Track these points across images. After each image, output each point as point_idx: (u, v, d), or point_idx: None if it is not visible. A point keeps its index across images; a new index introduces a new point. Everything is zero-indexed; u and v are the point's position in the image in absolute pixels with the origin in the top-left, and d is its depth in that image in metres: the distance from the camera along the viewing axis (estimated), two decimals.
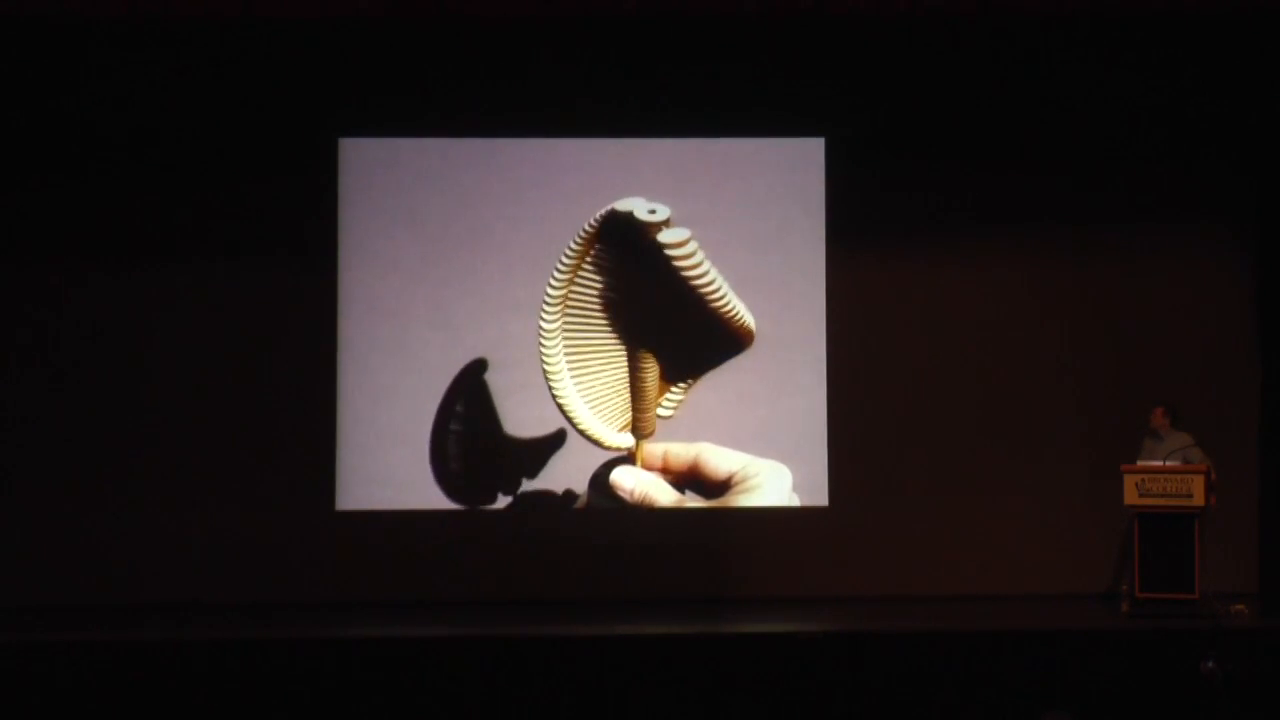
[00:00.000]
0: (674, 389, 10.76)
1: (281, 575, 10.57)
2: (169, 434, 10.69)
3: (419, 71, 10.79)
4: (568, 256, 10.72)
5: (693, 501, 10.77)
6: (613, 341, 10.77)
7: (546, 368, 10.67)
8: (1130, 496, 9.75)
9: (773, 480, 10.72)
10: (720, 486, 10.75)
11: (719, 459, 10.73)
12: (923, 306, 10.98)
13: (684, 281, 10.74)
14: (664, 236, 10.76)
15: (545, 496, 10.78)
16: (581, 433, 10.71)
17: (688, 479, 10.75)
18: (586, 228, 10.74)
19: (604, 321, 10.77)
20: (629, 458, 10.72)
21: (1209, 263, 11.04)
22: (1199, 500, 9.64)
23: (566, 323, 10.73)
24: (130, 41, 10.50)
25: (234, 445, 10.69)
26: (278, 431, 10.72)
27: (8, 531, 10.54)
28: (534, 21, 10.43)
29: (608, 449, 10.74)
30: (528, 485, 10.79)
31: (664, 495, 10.72)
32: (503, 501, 10.80)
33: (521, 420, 10.80)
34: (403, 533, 10.68)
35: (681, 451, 10.76)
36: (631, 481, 10.69)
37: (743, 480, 10.69)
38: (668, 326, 10.76)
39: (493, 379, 10.81)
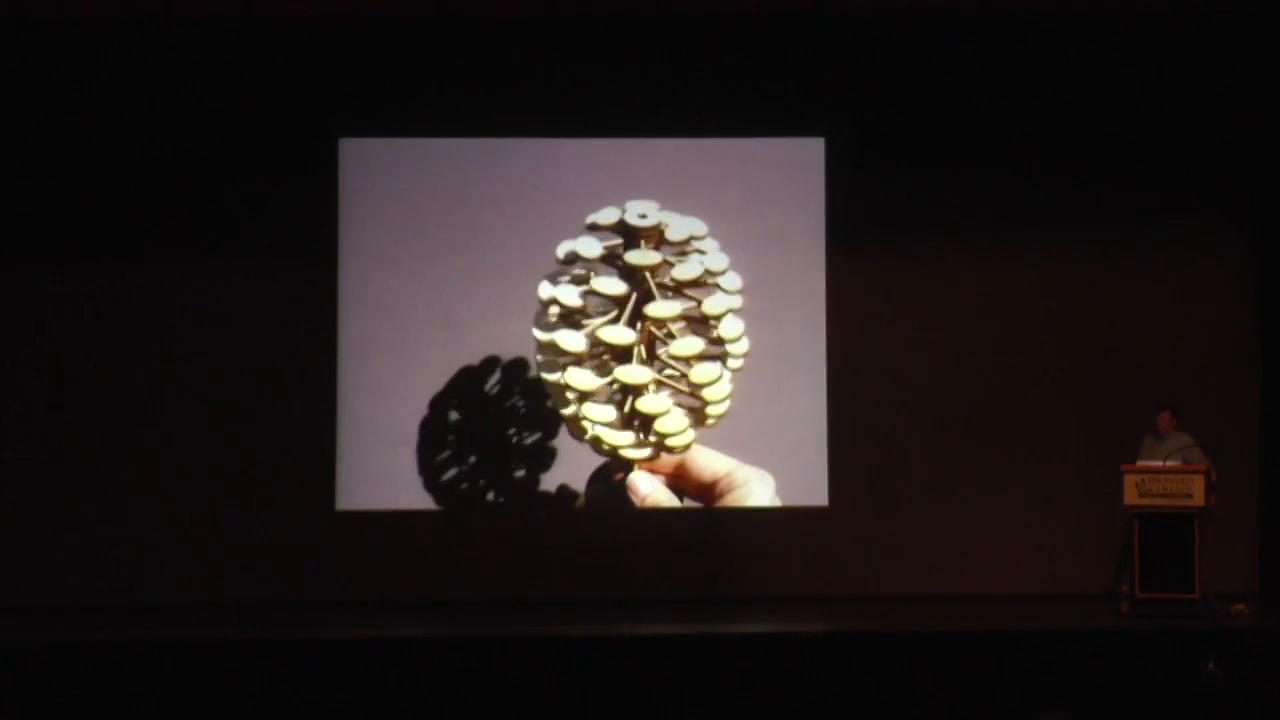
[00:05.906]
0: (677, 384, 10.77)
1: (281, 575, 10.56)
2: (169, 434, 10.69)
3: (419, 71, 10.79)
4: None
5: (691, 502, 10.76)
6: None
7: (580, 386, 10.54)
8: (1130, 496, 9.76)
9: (757, 487, 10.66)
10: (706, 489, 10.70)
11: (706, 461, 10.68)
12: (922, 306, 10.97)
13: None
14: (630, 257, 10.51)
15: (544, 496, 10.78)
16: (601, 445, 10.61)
17: (673, 480, 10.68)
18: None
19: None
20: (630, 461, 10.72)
21: (1209, 263, 11.03)
22: (1199, 500, 9.64)
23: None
24: (130, 41, 10.50)
25: (234, 445, 10.68)
26: (278, 431, 10.71)
27: (8, 531, 10.54)
28: (534, 22, 10.42)
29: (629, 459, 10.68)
30: (527, 485, 10.79)
31: (670, 505, 10.72)
32: (502, 501, 10.80)
33: (520, 420, 10.81)
34: (403, 533, 10.69)
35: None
36: (648, 487, 10.64)
37: (729, 487, 10.67)
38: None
39: (492, 379, 10.82)
